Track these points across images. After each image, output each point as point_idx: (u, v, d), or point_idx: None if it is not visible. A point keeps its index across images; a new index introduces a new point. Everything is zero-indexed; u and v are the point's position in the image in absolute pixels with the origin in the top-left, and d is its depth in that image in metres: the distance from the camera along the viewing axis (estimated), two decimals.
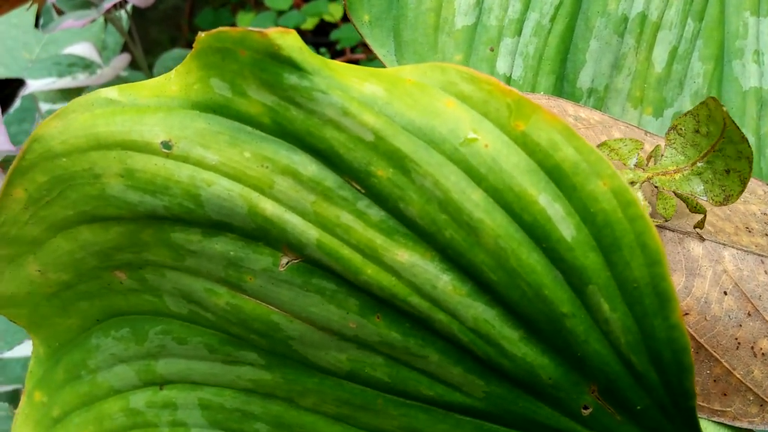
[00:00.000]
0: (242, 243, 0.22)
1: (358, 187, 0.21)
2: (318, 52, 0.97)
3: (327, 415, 0.24)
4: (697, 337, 0.27)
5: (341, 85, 0.20)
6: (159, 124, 0.20)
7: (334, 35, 0.91)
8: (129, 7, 0.64)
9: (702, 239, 0.28)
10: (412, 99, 0.20)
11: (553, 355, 0.22)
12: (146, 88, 0.21)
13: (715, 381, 0.27)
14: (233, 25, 0.96)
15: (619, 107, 0.33)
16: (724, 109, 0.26)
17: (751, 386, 0.27)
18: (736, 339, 0.27)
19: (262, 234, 0.21)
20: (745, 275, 0.28)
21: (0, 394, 0.61)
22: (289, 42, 0.19)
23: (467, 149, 0.20)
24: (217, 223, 0.21)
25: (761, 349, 0.27)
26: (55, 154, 0.21)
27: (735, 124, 0.26)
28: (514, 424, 0.23)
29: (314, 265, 0.22)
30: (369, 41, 0.29)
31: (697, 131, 0.27)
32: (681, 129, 0.28)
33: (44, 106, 0.79)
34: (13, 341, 0.42)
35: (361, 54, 0.91)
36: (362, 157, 0.20)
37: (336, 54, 0.93)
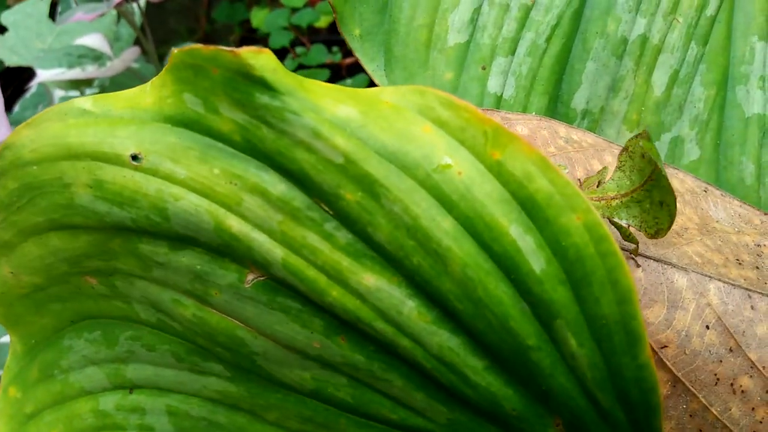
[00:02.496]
0: (208, 258, 0.21)
1: (327, 209, 0.20)
2: (330, 51, 0.97)
3: (290, 430, 0.24)
4: (674, 371, 0.26)
5: (314, 106, 0.20)
6: (130, 137, 0.20)
7: None
8: (142, 1, 0.64)
9: (687, 270, 0.27)
10: (387, 122, 0.20)
11: (517, 387, 0.21)
12: (121, 100, 0.21)
13: (691, 416, 0.26)
14: (248, 20, 0.96)
15: (615, 130, 0.32)
16: (642, 143, 0.24)
17: (727, 423, 0.26)
18: (716, 375, 0.26)
19: (228, 250, 0.21)
20: (730, 309, 0.27)
21: None
22: (262, 62, 0.19)
23: (440, 176, 0.20)
24: (184, 237, 0.21)
25: (741, 386, 0.26)
26: (25, 162, 0.21)
27: (659, 158, 0.24)
28: None
29: (279, 283, 0.21)
30: (359, 55, 0.29)
31: (643, 156, 0.26)
32: (632, 152, 0.26)
33: (60, 92, 0.80)
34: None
35: None
36: (332, 179, 0.20)
37: (348, 53, 0.93)
